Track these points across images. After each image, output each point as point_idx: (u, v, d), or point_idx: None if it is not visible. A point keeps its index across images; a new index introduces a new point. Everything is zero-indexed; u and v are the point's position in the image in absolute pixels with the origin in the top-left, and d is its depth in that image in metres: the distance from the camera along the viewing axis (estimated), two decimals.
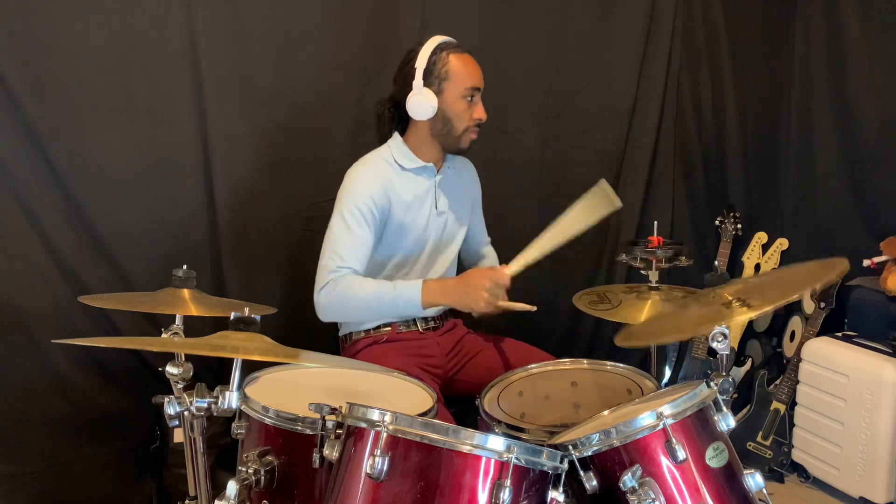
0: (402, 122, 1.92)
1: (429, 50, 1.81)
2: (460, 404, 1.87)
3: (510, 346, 2.04)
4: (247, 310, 1.32)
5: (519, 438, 1.42)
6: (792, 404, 2.59)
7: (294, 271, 2.33)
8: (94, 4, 1.98)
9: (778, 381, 2.65)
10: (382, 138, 1.95)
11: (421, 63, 1.80)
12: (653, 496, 1.15)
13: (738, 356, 2.92)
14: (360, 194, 1.81)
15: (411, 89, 1.81)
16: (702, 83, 2.95)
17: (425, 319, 1.98)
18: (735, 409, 2.67)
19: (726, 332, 1.32)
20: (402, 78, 1.85)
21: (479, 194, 2.16)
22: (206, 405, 1.32)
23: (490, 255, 2.22)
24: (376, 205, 1.82)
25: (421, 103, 1.81)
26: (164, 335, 1.52)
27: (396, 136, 1.92)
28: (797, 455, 2.57)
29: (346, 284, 1.75)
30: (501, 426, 1.51)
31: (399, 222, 1.87)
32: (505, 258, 2.20)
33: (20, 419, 2.05)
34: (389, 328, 1.94)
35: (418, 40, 1.87)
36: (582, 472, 1.22)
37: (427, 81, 1.81)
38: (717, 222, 3.00)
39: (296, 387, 1.58)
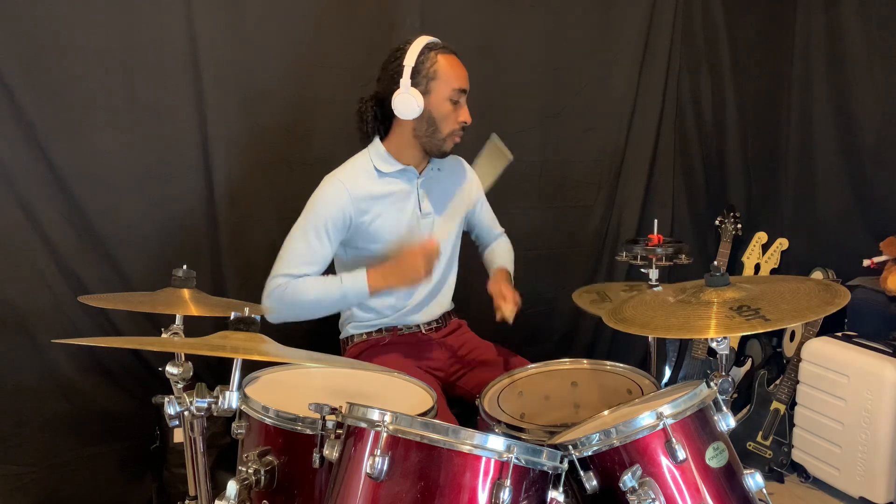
0: (384, 122, 1.89)
1: (417, 49, 1.78)
2: (460, 405, 1.87)
3: (510, 357, 2.01)
4: (247, 310, 1.32)
5: (519, 438, 1.42)
6: (792, 404, 2.59)
7: None
8: (94, 5, 1.98)
9: (778, 381, 2.65)
10: (364, 137, 1.91)
11: (409, 61, 1.77)
12: (653, 496, 1.15)
13: (738, 356, 2.92)
14: (327, 206, 1.79)
15: (398, 87, 1.77)
16: (702, 83, 2.96)
17: (427, 322, 1.97)
18: (735, 409, 2.68)
19: None
20: (388, 76, 1.81)
21: (478, 190, 2.10)
22: (206, 405, 1.32)
23: (498, 249, 2.16)
24: (343, 216, 1.80)
25: (407, 102, 1.77)
26: (164, 335, 1.53)
27: (377, 140, 1.89)
28: (797, 455, 2.57)
29: (292, 290, 1.75)
30: (501, 426, 1.51)
31: (375, 227, 1.84)
32: None
33: (20, 419, 2.05)
34: (391, 332, 1.93)
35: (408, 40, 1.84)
36: (582, 472, 1.22)
37: (414, 81, 1.77)
38: (717, 222, 3.00)
39: (296, 387, 1.58)
